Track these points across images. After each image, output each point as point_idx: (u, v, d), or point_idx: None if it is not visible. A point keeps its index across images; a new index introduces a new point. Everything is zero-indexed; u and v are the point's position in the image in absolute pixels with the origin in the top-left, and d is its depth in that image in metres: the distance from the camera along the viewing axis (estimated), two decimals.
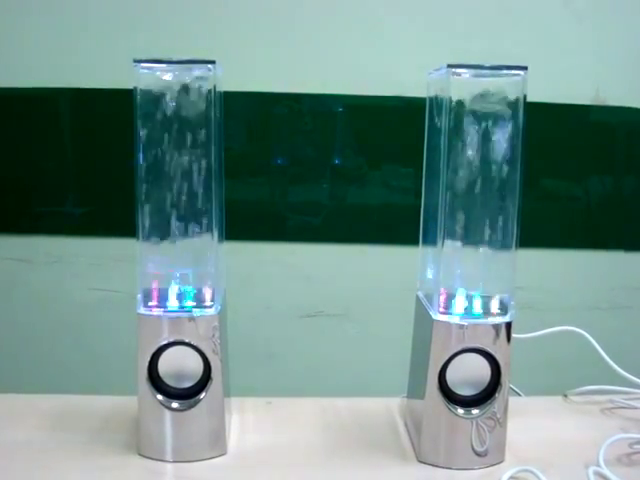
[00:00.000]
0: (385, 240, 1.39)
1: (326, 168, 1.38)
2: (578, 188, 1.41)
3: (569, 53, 1.35)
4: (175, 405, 0.71)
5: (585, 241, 1.43)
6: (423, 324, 0.74)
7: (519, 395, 0.89)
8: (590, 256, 1.43)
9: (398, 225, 1.35)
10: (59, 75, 1.32)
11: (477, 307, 0.72)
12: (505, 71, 0.69)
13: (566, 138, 1.39)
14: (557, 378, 0.98)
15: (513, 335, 0.71)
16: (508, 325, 0.70)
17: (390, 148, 1.38)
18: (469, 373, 0.72)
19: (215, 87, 0.69)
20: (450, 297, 0.72)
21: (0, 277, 1.38)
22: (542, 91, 1.24)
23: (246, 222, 1.36)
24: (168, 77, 0.69)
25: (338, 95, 1.35)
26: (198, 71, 0.69)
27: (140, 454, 0.72)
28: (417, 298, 0.78)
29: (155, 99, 0.69)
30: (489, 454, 0.72)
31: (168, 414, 0.71)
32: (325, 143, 1.37)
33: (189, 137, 0.70)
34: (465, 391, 0.72)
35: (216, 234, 0.71)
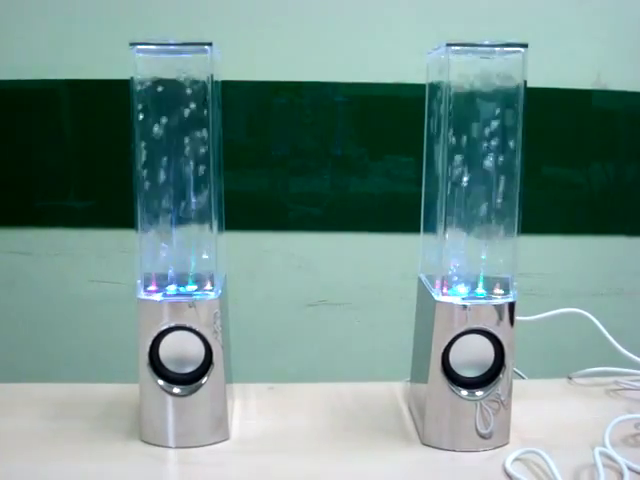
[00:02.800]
0: (387, 229, 1.38)
1: (327, 158, 1.37)
2: (580, 173, 1.40)
3: (569, 37, 1.34)
4: (177, 390, 0.71)
5: (587, 227, 1.42)
6: (425, 306, 0.74)
7: (523, 378, 0.88)
8: (592, 242, 1.42)
9: (400, 214, 1.35)
10: (58, 67, 1.32)
11: (479, 288, 0.71)
12: (505, 49, 0.68)
13: (567, 123, 1.38)
14: (561, 361, 0.98)
15: (517, 318, 0.71)
16: (511, 305, 0.70)
17: (392, 137, 1.37)
18: (472, 355, 0.71)
19: (212, 69, 0.68)
20: (452, 278, 0.71)
21: (2, 270, 1.38)
22: (543, 76, 1.23)
23: (248, 212, 1.36)
24: (165, 62, 0.69)
25: (339, 83, 1.34)
26: (195, 54, 0.68)
27: (142, 440, 0.72)
28: (419, 280, 0.77)
29: (152, 85, 0.69)
30: (493, 436, 0.71)
31: (170, 400, 0.70)
32: (326, 133, 1.37)
33: (187, 123, 0.70)
34: (469, 373, 0.71)
35: (215, 219, 0.71)
